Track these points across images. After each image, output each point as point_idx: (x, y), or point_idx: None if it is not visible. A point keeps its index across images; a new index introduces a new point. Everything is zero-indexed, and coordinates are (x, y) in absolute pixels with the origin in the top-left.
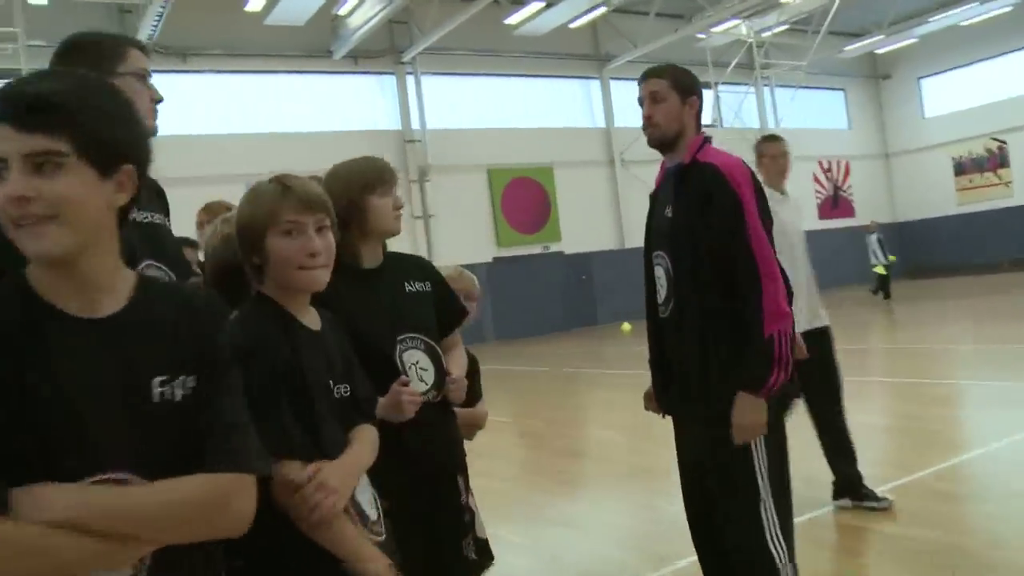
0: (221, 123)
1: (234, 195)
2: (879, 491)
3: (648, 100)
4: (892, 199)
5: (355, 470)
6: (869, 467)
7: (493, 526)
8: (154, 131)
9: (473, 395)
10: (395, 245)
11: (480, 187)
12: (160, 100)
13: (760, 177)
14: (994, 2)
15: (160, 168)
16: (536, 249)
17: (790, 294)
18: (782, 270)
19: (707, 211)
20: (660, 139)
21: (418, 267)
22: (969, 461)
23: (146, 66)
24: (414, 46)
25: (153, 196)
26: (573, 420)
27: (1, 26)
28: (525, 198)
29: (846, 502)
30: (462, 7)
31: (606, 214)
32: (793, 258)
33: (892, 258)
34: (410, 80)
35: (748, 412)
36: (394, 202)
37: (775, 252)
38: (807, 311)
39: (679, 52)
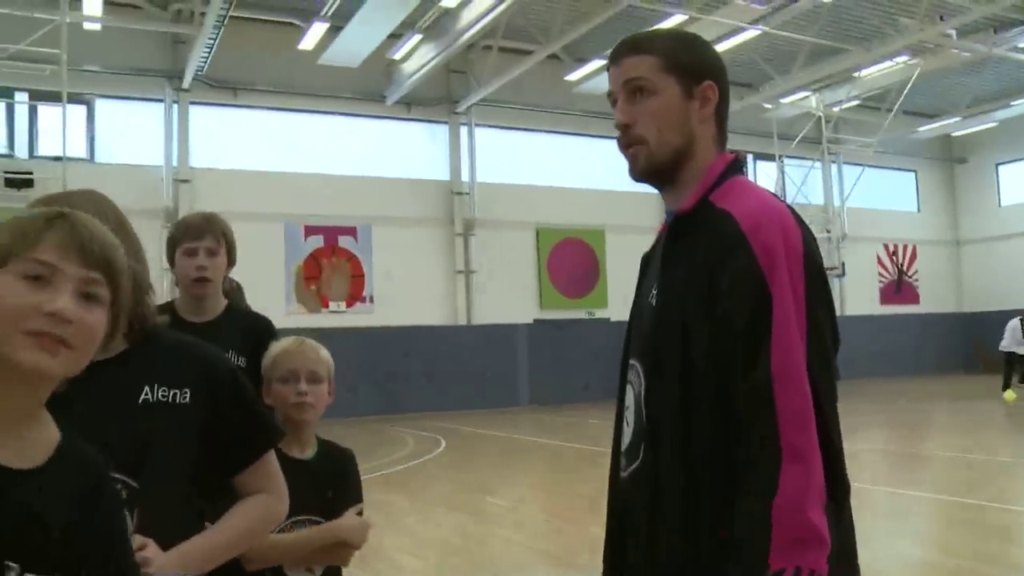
0: (265, 160)
1: (273, 234)
2: None
3: (624, 95)
4: (960, 288)
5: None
6: None
7: None
8: None
9: (343, 502)
10: (434, 300)
11: (527, 245)
12: None
13: None
14: None
15: (199, 199)
16: (580, 314)
17: (840, 491)
18: (832, 441)
19: (710, 300)
20: (650, 165)
21: (188, 363)
22: None
23: None
24: (469, 96)
25: None
26: (580, 510)
27: (48, 47)
28: (573, 260)
29: None
30: (521, 60)
31: None
32: None
33: None
34: (463, 131)
35: None
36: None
37: (832, 405)
38: None
39: (744, 121)
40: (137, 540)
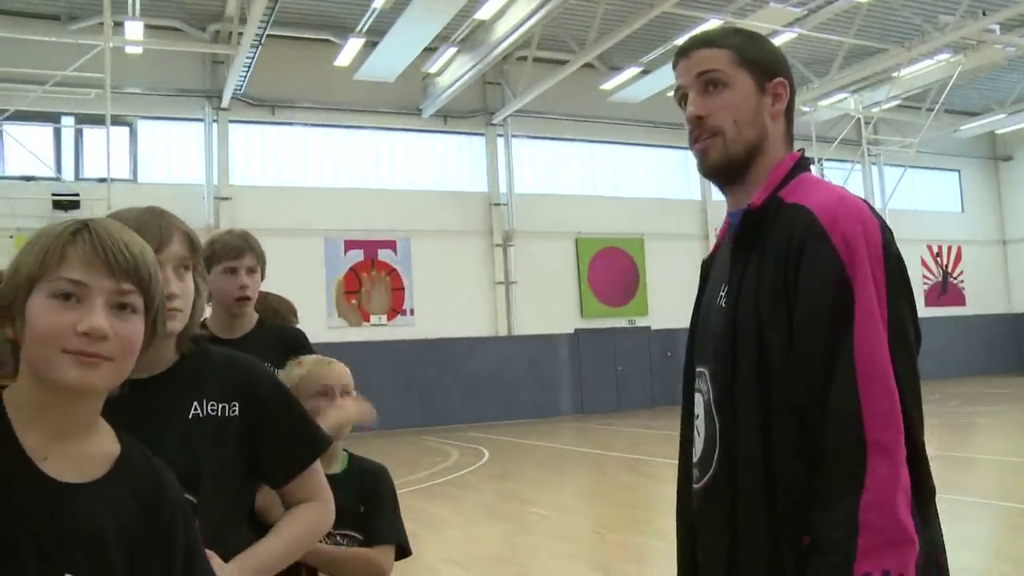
0: (304, 176)
1: (313, 249)
2: None
3: (697, 88)
4: (1008, 289)
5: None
6: None
7: None
8: None
9: (378, 516)
10: (474, 311)
11: (566, 255)
12: None
13: None
14: None
15: (239, 217)
16: (621, 322)
17: (925, 491)
18: (916, 439)
19: (788, 296)
20: (724, 159)
21: (235, 377)
22: None
23: None
24: (505, 107)
25: None
26: (624, 519)
27: (93, 72)
28: (613, 269)
29: None
30: (556, 70)
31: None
32: None
33: None
34: (500, 142)
35: None
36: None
37: (916, 401)
38: None
39: None
40: None
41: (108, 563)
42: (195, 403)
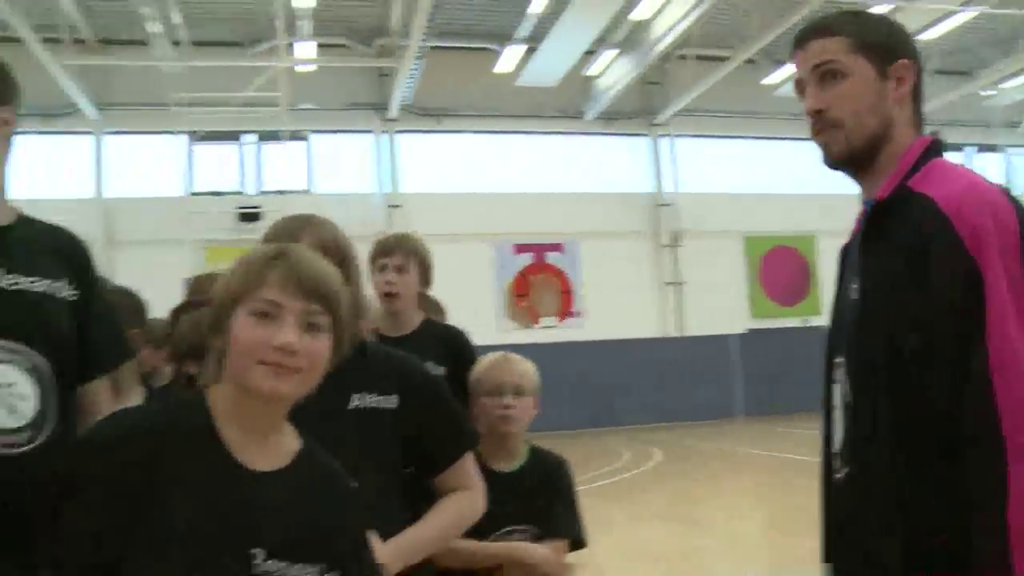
0: (472, 182)
1: (483, 253)
2: None
3: (814, 81)
4: None
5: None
6: None
7: None
8: None
9: (558, 509)
10: (644, 312)
11: (735, 254)
12: None
13: None
14: None
15: (411, 224)
16: (794, 322)
17: None
18: None
19: (916, 290)
20: (846, 151)
21: (392, 372)
22: None
23: None
24: (668, 107)
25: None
26: (795, 522)
27: (269, 92)
28: (784, 268)
29: None
30: (717, 67)
31: None
32: None
33: None
34: (663, 142)
35: None
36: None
37: None
38: None
39: (960, 112)
40: None
41: (293, 541)
42: (355, 396)
